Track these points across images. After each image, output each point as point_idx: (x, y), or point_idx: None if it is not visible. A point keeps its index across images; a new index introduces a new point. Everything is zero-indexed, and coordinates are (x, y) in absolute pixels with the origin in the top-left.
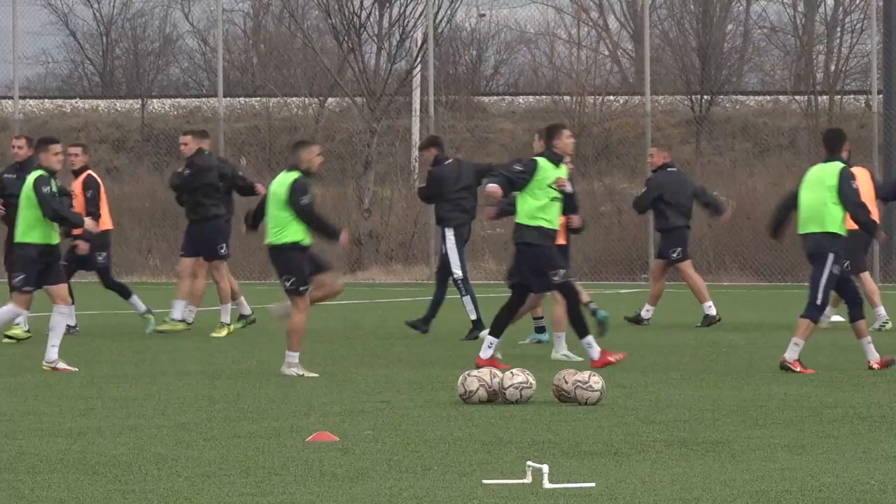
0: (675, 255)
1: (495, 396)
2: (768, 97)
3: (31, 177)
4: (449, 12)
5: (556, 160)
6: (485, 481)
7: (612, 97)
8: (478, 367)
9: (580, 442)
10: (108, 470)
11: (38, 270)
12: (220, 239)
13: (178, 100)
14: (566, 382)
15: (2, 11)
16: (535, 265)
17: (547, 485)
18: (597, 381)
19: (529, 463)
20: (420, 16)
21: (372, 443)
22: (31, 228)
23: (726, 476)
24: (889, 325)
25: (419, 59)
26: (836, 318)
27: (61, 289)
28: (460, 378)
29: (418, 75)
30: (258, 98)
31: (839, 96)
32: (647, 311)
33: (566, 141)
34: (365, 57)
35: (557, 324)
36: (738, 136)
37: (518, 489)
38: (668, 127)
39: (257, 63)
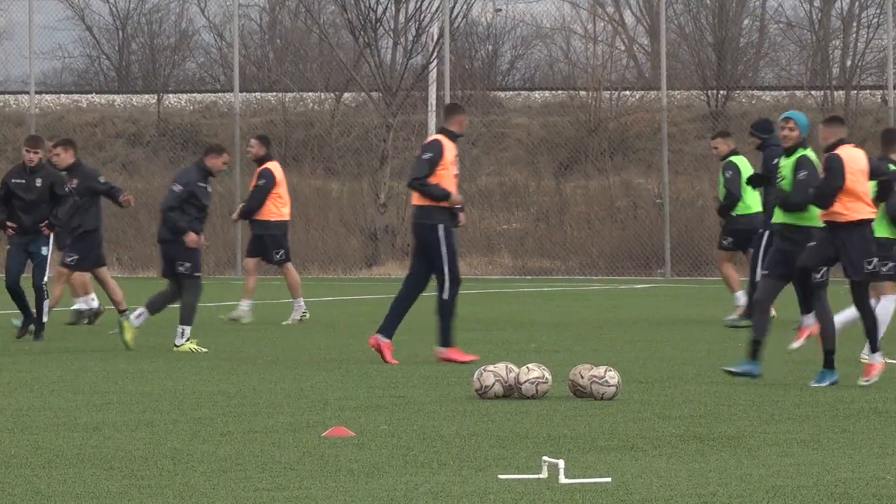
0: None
1: (511, 391)
2: (784, 92)
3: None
4: (465, 7)
5: None
6: (501, 476)
7: (627, 92)
8: None
9: (596, 437)
10: (123, 465)
11: None
12: None
13: (194, 95)
14: (582, 378)
15: (18, 6)
16: None
17: (563, 480)
18: (612, 377)
19: (545, 458)
20: (436, 11)
21: (388, 438)
22: None
23: (742, 471)
24: (308, 316)
25: (435, 53)
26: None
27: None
28: (476, 373)
29: (434, 70)
30: (274, 93)
31: (855, 91)
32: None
33: None
34: (381, 52)
35: None
36: None
37: (534, 484)
38: (683, 122)
39: (273, 58)
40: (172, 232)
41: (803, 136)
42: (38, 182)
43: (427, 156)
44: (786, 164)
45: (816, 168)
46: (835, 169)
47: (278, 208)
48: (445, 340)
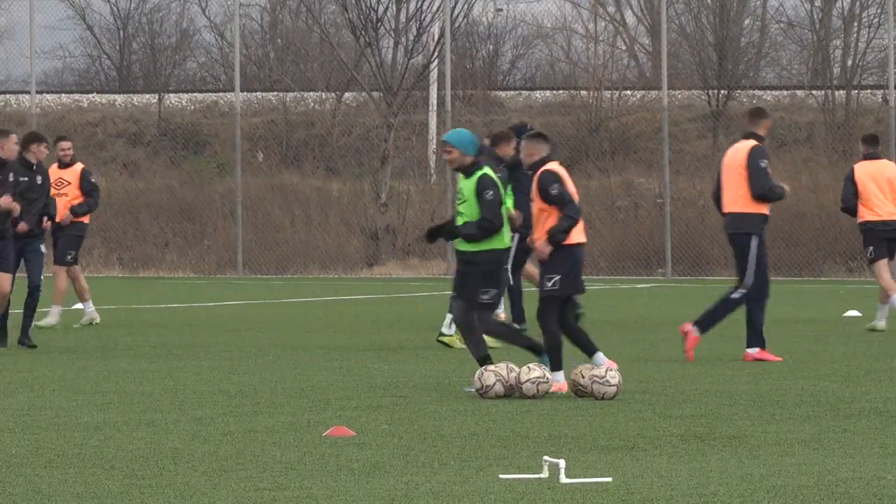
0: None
1: (512, 391)
2: (785, 92)
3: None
4: (466, 7)
5: None
6: (501, 476)
7: (628, 92)
8: None
9: (597, 437)
10: (124, 464)
11: None
12: None
13: (194, 94)
14: (583, 377)
15: (19, 6)
16: None
17: (563, 479)
18: (613, 376)
19: (546, 458)
20: (437, 10)
21: (388, 437)
22: None
23: (743, 471)
24: (98, 320)
25: (436, 53)
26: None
27: None
28: (477, 373)
29: (435, 70)
30: (275, 93)
31: (856, 91)
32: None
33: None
34: (382, 51)
35: None
36: None
37: (535, 484)
38: (684, 122)
39: (274, 58)
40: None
41: (469, 154)
42: (39, 180)
43: (764, 163)
44: (465, 186)
45: (499, 185)
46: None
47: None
48: (704, 326)
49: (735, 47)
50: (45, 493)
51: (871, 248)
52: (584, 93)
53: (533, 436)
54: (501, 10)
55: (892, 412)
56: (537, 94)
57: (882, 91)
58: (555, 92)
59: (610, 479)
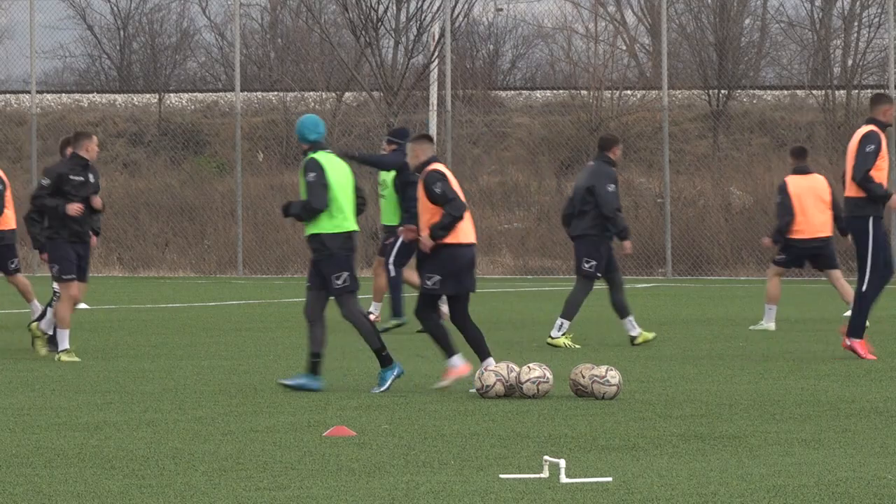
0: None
1: (512, 391)
2: (785, 92)
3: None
4: (466, 6)
5: None
6: (502, 476)
7: (629, 91)
8: None
9: (597, 436)
10: (124, 464)
11: None
12: None
13: (195, 94)
14: (583, 377)
15: (19, 6)
16: None
17: (564, 479)
18: (613, 376)
19: (546, 457)
20: (437, 10)
21: (389, 437)
22: None
23: (743, 471)
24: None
25: (436, 53)
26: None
27: None
28: (477, 373)
29: (435, 70)
30: (275, 92)
31: (856, 91)
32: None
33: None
34: (382, 51)
35: None
36: (755, 130)
37: (535, 483)
38: (685, 121)
39: (274, 57)
40: (619, 233)
41: (303, 141)
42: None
43: (871, 147)
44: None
45: (323, 167)
46: (445, 182)
47: (11, 215)
48: (855, 331)
49: (735, 47)
50: (45, 492)
51: (785, 257)
52: (584, 93)
53: (533, 436)
54: (502, 9)
55: (892, 412)
56: (537, 93)
57: (882, 91)
58: (555, 92)
59: (610, 479)
